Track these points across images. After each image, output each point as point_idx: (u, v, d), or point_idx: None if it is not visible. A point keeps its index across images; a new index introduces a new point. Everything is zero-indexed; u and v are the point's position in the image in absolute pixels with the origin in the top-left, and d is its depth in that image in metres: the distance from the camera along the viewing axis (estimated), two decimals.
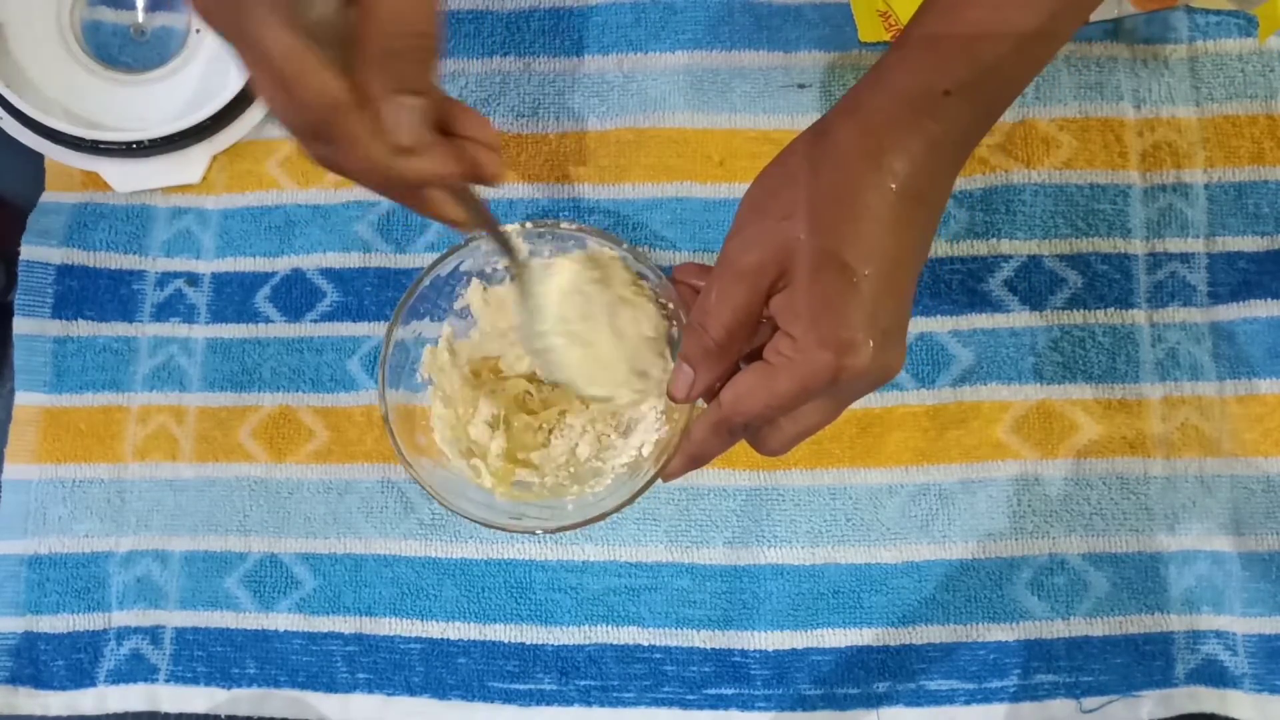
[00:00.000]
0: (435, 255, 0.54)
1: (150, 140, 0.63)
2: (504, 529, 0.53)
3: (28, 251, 0.64)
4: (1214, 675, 0.57)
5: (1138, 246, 0.62)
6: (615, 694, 0.59)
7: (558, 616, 0.60)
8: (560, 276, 0.50)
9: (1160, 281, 0.61)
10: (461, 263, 0.56)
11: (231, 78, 0.64)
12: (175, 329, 0.64)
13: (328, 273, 0.64)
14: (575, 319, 0.50)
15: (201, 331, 0.64)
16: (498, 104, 0.65)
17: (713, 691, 0.59)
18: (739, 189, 0.63)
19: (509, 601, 0.60)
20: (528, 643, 0.60)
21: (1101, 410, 0.60)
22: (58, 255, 0.64)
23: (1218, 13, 0.63)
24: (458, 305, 0.58)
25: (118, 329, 0.64)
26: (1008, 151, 0.62)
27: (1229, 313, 0.60)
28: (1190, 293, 0.61)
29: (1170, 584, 0.58)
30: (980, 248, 0.62)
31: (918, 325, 0.61)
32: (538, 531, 0.53)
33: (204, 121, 0.63)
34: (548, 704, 0.59)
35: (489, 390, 0.58)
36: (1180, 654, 0.58)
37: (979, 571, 0.59)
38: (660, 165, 0.63)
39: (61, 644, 0.61)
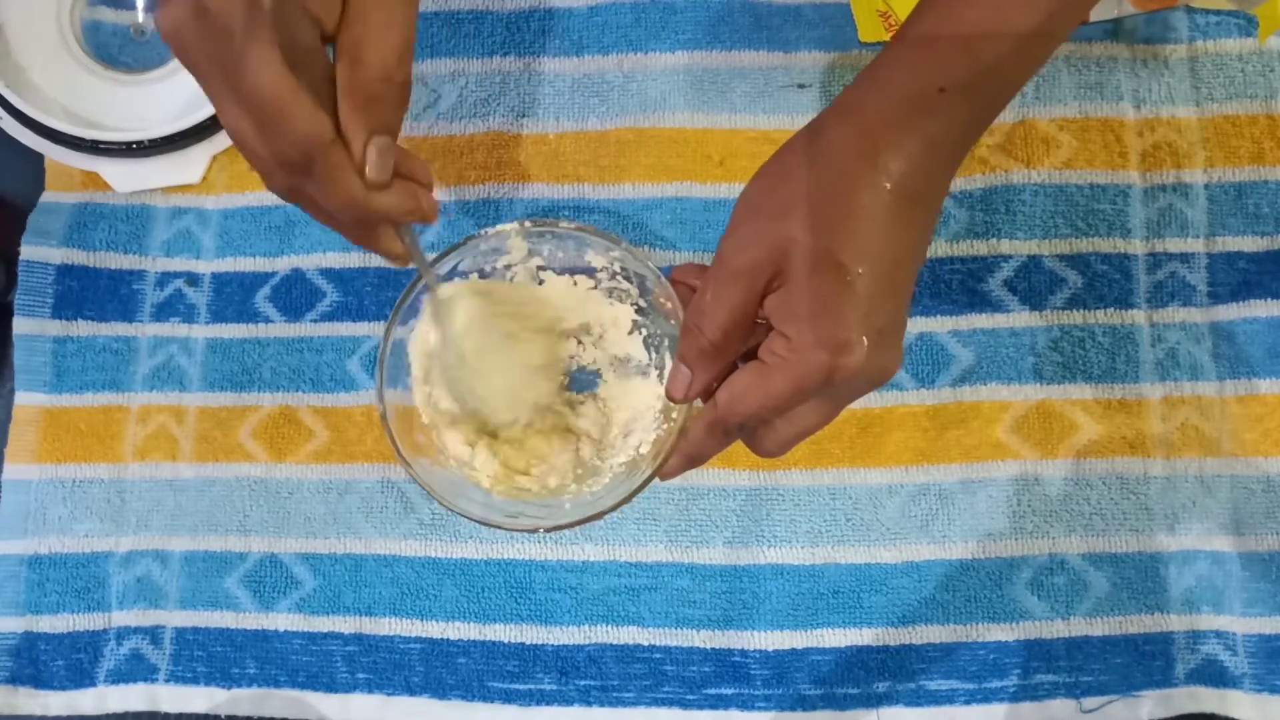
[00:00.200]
0: (434, 255, 0.54)
1: (150, 140, 0.63)
2: (502, 527, 0.53)
3: (28, 251, 0.64)
4: (1214, 675, 0.57)
5: (1138, 246, 0.62)
6: (615, 694, 0.59)
7: (558, 616, 0.60)
8: (460, 311, 0.54)
9: (1160, 281, 0.61)
10: (459, 262, 0.56)
11: None
12: (175, 329, 0.64)
13: (328, 273, 0.64)
14: (472, 352, 0.54)
15: (201, 331, 0.64)
16: (498, 104, 0.65)
17: (713, 691, 0.59)
18: (739, 189, 0.62)
19: (509, 601, 0.60)
20: (528, 643, 0.60)
21: (1101, 410, 0.60)
22: (58, 255, 0.64)
23: (1218, 13, 0.63)
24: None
25: (118, 329, 0.64)
26: (1008, 151, 0.62)
27: (1229, 313, 0.60)
28: (1190, 293, 0.61)
29: (1170, 584, 0.58)
30: (980, 248, 0.62)
31: (917, 325, 0.61)
32: (536, 530, 0.53)
33: (204, 121, 0.64)
34: (548, 704, 0.59)
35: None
36: (1180, 654, 0.58)
37: (979, 571, 0.59)
38: (660, 165, 0.63)
39: (61, 644, 0.61)
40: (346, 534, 0.61)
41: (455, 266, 0.56)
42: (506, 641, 0.60)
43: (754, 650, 0.59)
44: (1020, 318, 0.61)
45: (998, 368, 0.61)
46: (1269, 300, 0.60)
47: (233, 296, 0.64)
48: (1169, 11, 0.63)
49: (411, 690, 0.60)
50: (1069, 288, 0.61)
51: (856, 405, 0.60)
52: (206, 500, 0.62)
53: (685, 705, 0.59)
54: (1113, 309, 0.61)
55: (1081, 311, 0.61)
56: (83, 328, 0.64)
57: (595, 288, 0.58)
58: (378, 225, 0.44)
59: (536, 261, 0.58)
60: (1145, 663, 0.58)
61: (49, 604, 0.62)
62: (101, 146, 0.64)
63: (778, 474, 0.60)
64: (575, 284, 0.58)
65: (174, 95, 0.66)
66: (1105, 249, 0.61)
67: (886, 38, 0.63)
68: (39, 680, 0.61)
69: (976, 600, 0.59)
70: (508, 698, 0.59)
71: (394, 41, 0.39)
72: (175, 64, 0.66)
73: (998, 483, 0.60)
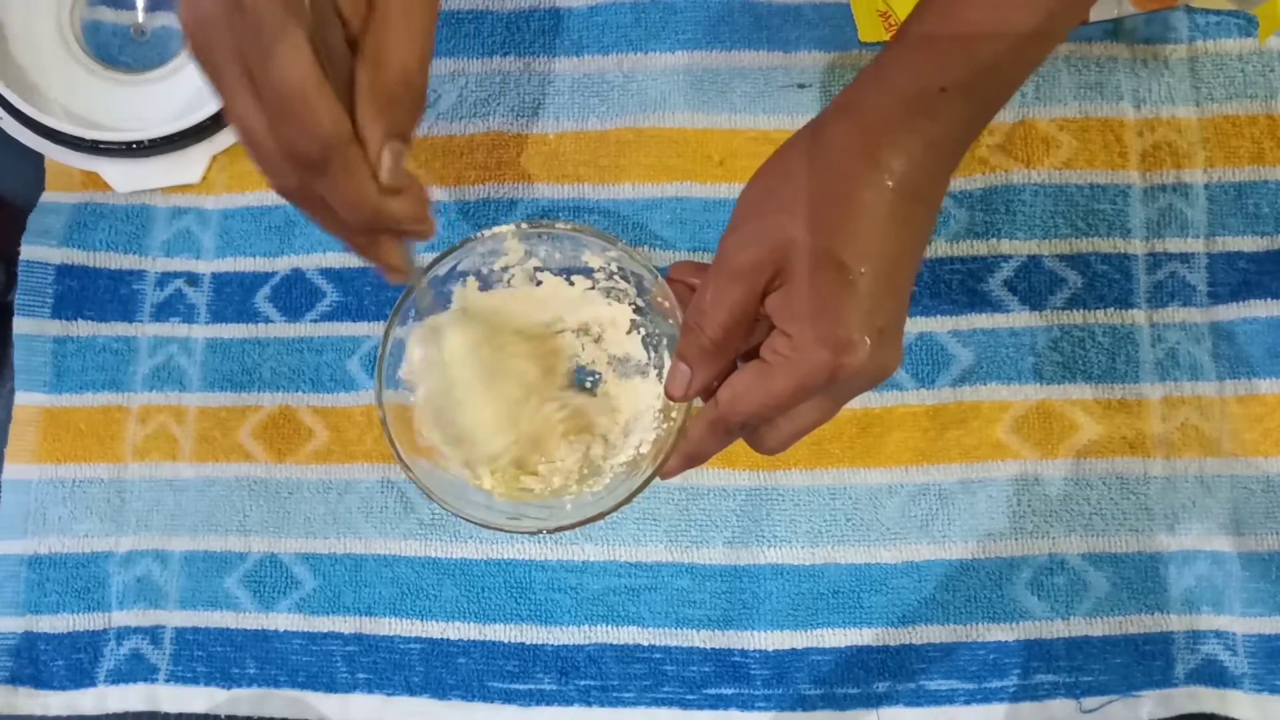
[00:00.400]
0: (433, 256, 0.54)
1: (150, 140, 0.63)
2: (503, 529, 0.53)
3: (28, 251, 0.64)
4: (1214, 675, 0.57)
5: (1138, 246, 0.62)
6: (615, 694, 0.59)
7: (558, 616, 0.60)
8: (449, 341, 0.54)
9: (1160, 281, 0.61)
10: (459, 263, 0.56)
11: None
12: (175, 329, 0.64)
13: (328, 273, 0.64)
14: (460, 384, 0.54)
15: (201, 331, 0.64)
16: (498, 104, 0.65)
17: (713, 691, 0.59)
18: (739, 189, 0.62)
19: (509, 601, 0.60)
20: (528, 643, 0.60)
21: (1101, 410, 0.60)
22: (58, 255, 0.64)
23: (1218, 13, 0.63)
24: (454, 306, 0.58)
25: (118, 329, 0.64)
26: (1008, 151, 0.62)
27: (1229, 313, 0.60)
28: (1190, 293, 0.61)
29: (1170, 584, 0.58)
30: (980, 248, 0.62)
31: (917, 325, 0.61)
32: (537, 531, 0.53)
33: (204, 121, 0.64)
34: (548, 704, 0.59)
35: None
36: (1180, 654, 0.58)
37: (979, 571, 0.59)
38: (660, 165, 0.63)
39: (61, 644, 0.61)
40: (346, 534, 0.61)
41: (453, 268, 0.56)
42: (506, 641, 0.60)
43: (754, 650, 0.59)
44: (1020, 318, 0.61)
45: (998, 368, 0.61)
46: (1269, 300, 0.60)
47: (233, 296, 0.64)
48: (1169, 11, 0.63)
49: (411, 690, 0.60)
50: (1069, 288, 0.61)
51: (856, 405, 0.61)
52: (206, 500, 0.62)
53: (685, 705, 0.59)
54: (1113, 309, 0.61)
55: (1081, 311, 0.61)
56: (83, 328, 0.64)
57: (593, 288, 0.58)
58: (381, 234, 0.43)
59: (533, 263, 0.58)
60: (1145, 663, 0.58)
61: (49, 604, 0.62)
62: (101, 146, 0.64)
63: (778, 474, 0.60)
64: (572, 284, 0.58)
65: (174, 95, 0.66)
66: (1105, 249, 0.61)
67: (886, 38, 0.63)
68: (39, 680, 0.61)
69: (976, 600, 0.59)
70: (508, 698, 0.59)
71: (416, 47, 0.39)
72: (175, 64, 0.66)
73: (998, 483, 0.60)
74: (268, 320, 0.64)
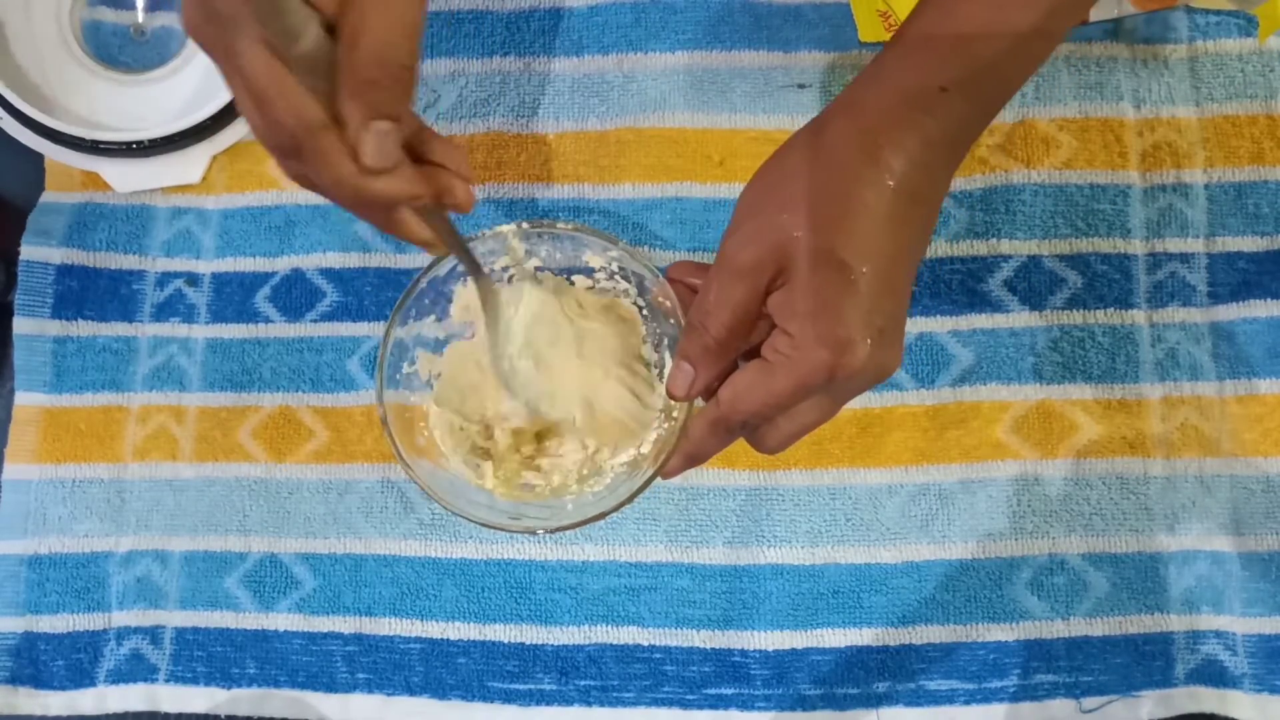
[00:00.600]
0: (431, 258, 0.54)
1: (150, 140, 0.63)
2: (504, 529, 0.53)
3: (28, 251, 0.64)
4: (1214, 675, 0.57)
5: (1137, 246, 0.62)
6: (615, 694, 0.59)
7: (557, 616, 0.60)
8: (529, 303, 0.53)
9: (1160, 281, 0.61)
10: (457, 264, 0.56)
11: None
12: (175, 329, 0.64)
13: (328, 273, 0.64)
14: (543, 344, 0.53)
15: (201, 331, 0.64)
16: (498, 104, 0.65)
17: (712, 691, 0.59)
18: (738, 189, 0.62)
19: (509, 601, 0.60)
20: (527, 643, 0.60)
21: (1101, 410, 0.60)
22: (58, 255, 0.64)
23: (1218, 13, 0.63)
24: (453, 309, 0.58)
25: (118, 329, 0.64)
26: (1008, 151, 0.62)
27: (1229, 313, 0.60)
28: (1190, 293, 0.61)
29: (1170, 584, 0.58)
30: (980, 248, 0.62)
31: (917, 325, 0.61)
32: (538, 531, 0.53)
33: (204, 121, 0.64)
34: (547, 704, 0.59)
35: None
36: (1180, 654, 0.58)
37: (979, 571, 0.59)
38: (660, 165, 0.63)
39: (61, 644, 0.61)
40: (346, 534, 0.61)
41: (454, 268, 0.56)
42: (506, 641, 0.60)
43: (754, 650, 0.59)
44: (1020, 318, 0.61)
45: (998, 368, 0.61)
46: (1269, 300, 0.60)
47: (233, 296, 0.64)
48: (1169, 11, 0.63)
49: (411, 690, 0.60)
50: (1069, 288, 0.61)
51: (856, 405, 0.61)
52: (206, 500, 0.62)
53: (685, 705, 0.59)
54: (1113, 309, 0.61)
55: (1081, 311, 0.61)
56: (83, 328, 0.64)
57: (593, 288, 0.58)
58: (394, 210, 0.43)
59: (534, 262, 0.58)
60: (1145, 663, 0.58)
61: (49, 604, 0.62)
62: (101, 146, 0.63)
63: (778, 474, 0.60)
64: (573, 284, 0.58)
65: (174, 95, 0.66)
66: (1105, 249, 0.61)
67: (886, 38, 0.63)
68: (39, 680, 0.61)
69: (976, 600, 0.59)
70: (508, 698, 0.59)
71: (393, 24, 0.38)
72: (175, 64, 0.66)
73: (998, 483, 0.60)
74: (268, 320, 0.64)
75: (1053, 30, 0.43)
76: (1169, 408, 0.60)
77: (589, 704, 0.59)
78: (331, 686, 0.60)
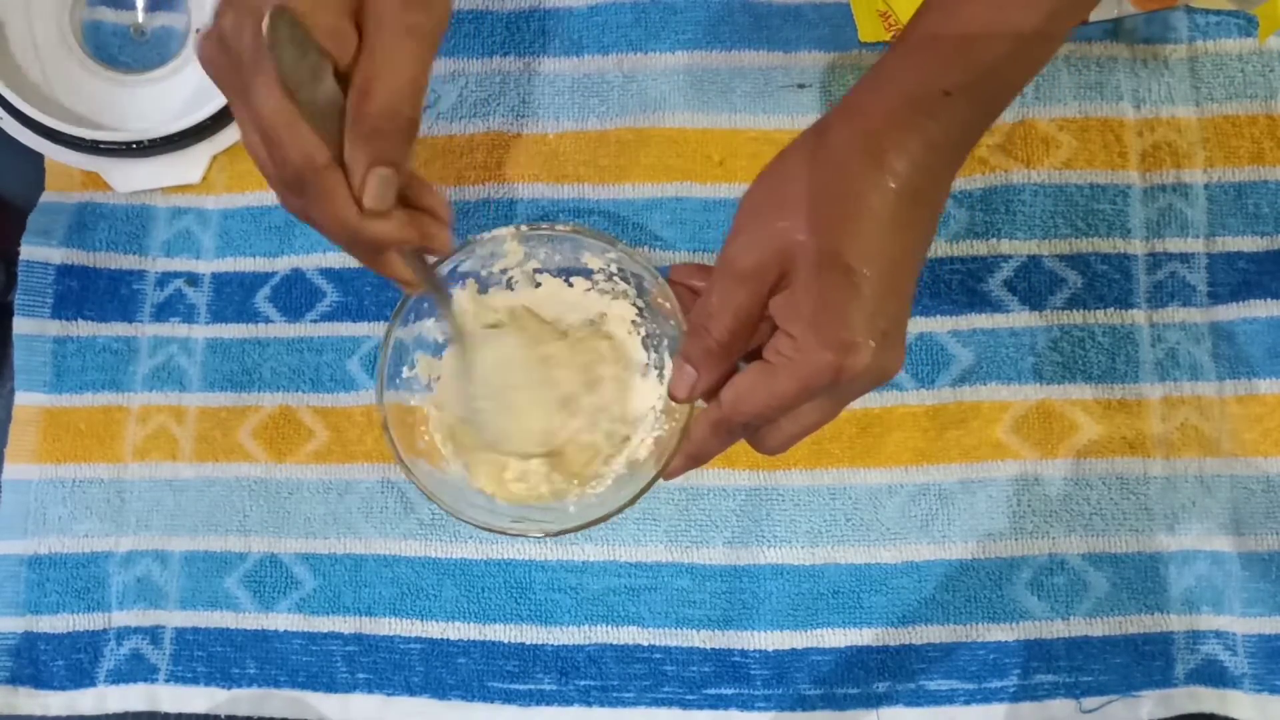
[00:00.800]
0: (431, 261, 0.54)
1: (150, 140, 0.63)
2: (506, 532, 0.53)
3: (28, 251, 0.64)
4: (1214, 675, 0.57)
5: (1137, 246, 0.62)
6: (615, 694, 0.59)
7: (557, 616, 0.60)
8: (499, 347, 0.55)
9: (1160, 281, 0.61)
10: (457, 265, 0.56)
11: None
12: (175, 329, 0.64)
13: (328, 273, 0.64)
14: (507, 387, 0.56)
15: (201, 331, 0.64)
16: (498, 104, 0.65)
17: (712, 691, 0.59)
18: (739, 189, 0.63)
19: (509, 601, 0.60)
20: (527, 643, 0.60)
21: (1101, 410, 0.60)
22: (58, 255, 0.64)
23: (1218, 13, 0.63)
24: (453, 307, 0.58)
25: (117, 329, 0.64)
26: (1008, 151, 0.62)
27: (1229, 313, 0.60)
28: (1190, 293, 0.61)
29: (1170, 584, 0.58)
30: (980, 248, 0.62)
31: (918, 325, 0.61)
32: (539, 535, 0.53)
33: (204, 121, 0.64)
34: (547, 704, 0.59)
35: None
36: (1180, 654, 0.58)
37: (979, 571, 0.59)
38: (660, 165, 0.63)
39: (61, 644, 0.61)
40: (346, 534, 0.61)
41: (452, 270, 0.56)
42: (506, 642, 0.60)
43: (754, 650, 0.59)
44: (1020, 318, 0.61)
45: (997, 368, 0.61)
46: (1269, 300, 0.60)
47: (233, 296, 0.64)
48: (1169, 11, 0.63)
49: (411, 690, 0.60)
50: (1069, 288, 0.61)
51: (856, 405, 0.60)
52: (206, 500, 0.62)
53: (685, 705, 0.59)
54: (1113, 309, 0.61)
55: (1081, 311, 0.61)
56: (83, 328, 0.64)
57: (591, 289, 0.58)
58: (383, 251, 0.45)
59: (533, 264, 0.58)
60: (1145, 663, 0.58)
61: (49, 604, 0.62)
62: (101, 146, 0.63)
63: (777, 474, 0.60)
64: (572, 285, 0.58)
65: (174, 95, 0.66)
66: (1105, 249, 0.61)
67: (886, 38, 0.63)
68: (39, 680, 0.61)
69: (976, 600, 0.59)
70: (507, 698, 0.59)
71: (402, 79, 0.41)
72: (175, 64, 0.66)
73: (997, 483, 0.60)
74: (268, 320, 0.64)
75: (1054, 32, 0.43)
76: (1169, 408, 0.60)
77: (589, 704, 0.59)
78: (331, 686, 0.60)
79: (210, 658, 0.61)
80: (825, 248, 0.41)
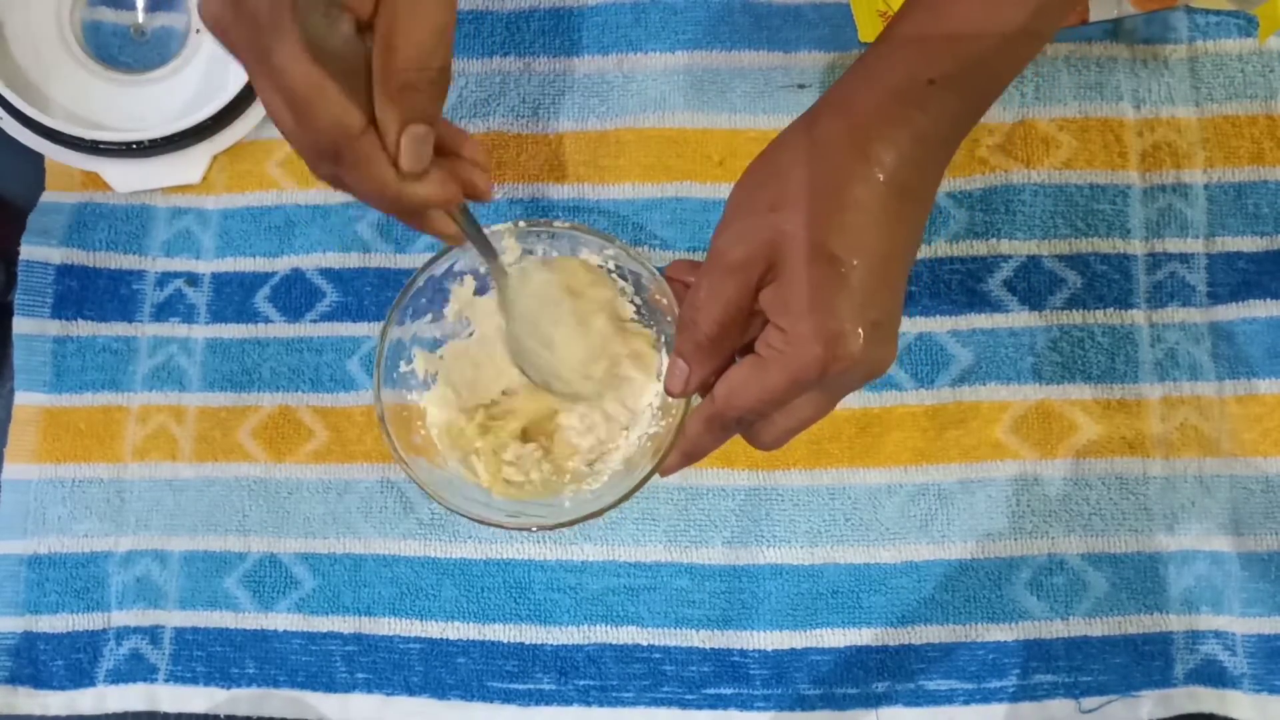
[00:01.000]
0: (430, 256, 0.54)
1: (150, 140, 0.63)
2: (502, 526, 0.53)
3: (28, 251, 0.64)
4: (1213, 675, 0.57)
5: (1137, 247, 0.62)
6: (614, 694, 0.59)
7: (557, 616, 0.60)
8: (535, 286, 0.53)
9: (1159, 282, 0.61)
10: (455, 262, 0.56)
11: (232, 77, 0.64)
12: (175, 329, 0.64)
13: (327, 273, 0.64)
14: (549, 325, 0.53)
15: (201, 331, 0.64)
16: (498, 104, 0.65)
17: (712, 691, 0.59)
18: None
19: (508, 601, 0.60)
20: (527, 642, 0.60)
21: (1100, 410, 0.60)
22: (58, 255, 0.64)
23: (1218, 13, 0.63)
24: (449, 308, 0.58)
25: (117, 329, 0.64)
26: (1007, 151, 0.62)
27: (1228, 313, 0.60)
28: (1189, 293, 0.61)
29: (1169, 584, 0.58)
30: (980, 248, 0.62)
31: (917, 325, 0.61)
32: (534, 529, 0.53)
33: (204, 121, 0.64)
34: (547, 704, 0.59)
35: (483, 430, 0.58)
36: (1179, 654, 0.57)
37: (978, 571, 0.59)
38: (660, 165, 0.64)
39: (61, 644, 0.61)
40: (346, 534, 0.61)
41: (450, 267, 0.56)
42: (506, 641, 0.60)
43: (753, 650, 0.59)
44: (1020, 318, 0.61)
45: (997, 368, 0.61)
46: (1268, 300, 0.60)
47: (232, 296, 0.64)
48: (1169, 11, 0.63)
49: (411, 690, 0.60)
50: (1068, 288, 0.61)
51: (856, 405, 0.61)
52: (206, 500, 0.62)
53: (684, 705, 0.59)
54: (1112, 309, 0.61)
55: (1081, 311, 0.61)
56: (82, 328, 0.64)
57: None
58: (424, 209, 0.43)
59: (531, 261, 0.58)
60: (1144, 663, 0.57)
61: (48, 604, 0.62)
62: (101, 146, 0.64)
63: (777, 474, 0.60)
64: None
65: (174, 95, 0.66)
66: (1105, 249, 0.61)
67: None
68: (38, 680, 0.61)
69: (976, 600, 0.59)
70: (507, 698, 0.59)
71: (428, 27, 0.38)
72: (175, 64, 0.66)
73: (997, 483, 0.60)
74: (267, 320, 0.64)
75: (1040, 30, 0.43)
76: (1168, 408, 0.60)
77: (588, 704, 0.59)
78: (331, 686, 0.60)
79: (210, 657, 0.61)
80: (813, 240, 0.41)
